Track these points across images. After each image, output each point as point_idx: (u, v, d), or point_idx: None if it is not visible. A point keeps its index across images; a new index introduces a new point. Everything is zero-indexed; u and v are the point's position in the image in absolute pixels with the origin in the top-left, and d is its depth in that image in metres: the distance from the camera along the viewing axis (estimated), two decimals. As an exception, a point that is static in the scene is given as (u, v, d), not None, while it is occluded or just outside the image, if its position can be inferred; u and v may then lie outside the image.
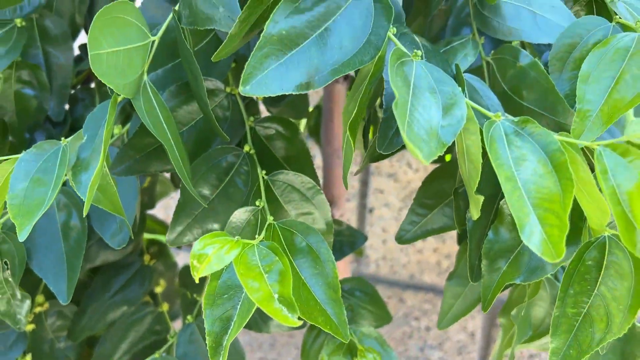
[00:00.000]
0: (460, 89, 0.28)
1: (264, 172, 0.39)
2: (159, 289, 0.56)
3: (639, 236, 0.25)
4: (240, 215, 0.36)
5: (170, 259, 0.62)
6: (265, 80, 0.26)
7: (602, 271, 0.29)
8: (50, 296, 0.51)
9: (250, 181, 0.39)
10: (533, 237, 0.24)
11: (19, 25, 0.49)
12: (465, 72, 0.37)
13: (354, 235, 0.52)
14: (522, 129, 0.27)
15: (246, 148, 0.40)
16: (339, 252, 0.51)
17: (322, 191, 0.39)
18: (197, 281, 0.28)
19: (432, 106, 0.26)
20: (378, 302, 0.49)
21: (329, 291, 0.33)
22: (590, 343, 0.29)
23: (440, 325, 0.45)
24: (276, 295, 0.28)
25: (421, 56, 0.31)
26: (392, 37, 0.29)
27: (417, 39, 0.35)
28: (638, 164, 0.24)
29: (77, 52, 0.55)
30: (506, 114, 0.31)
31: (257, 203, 0.36)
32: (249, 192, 0.39)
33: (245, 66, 0.27)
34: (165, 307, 0.55)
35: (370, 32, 0.29)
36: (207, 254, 0.28)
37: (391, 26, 0.29)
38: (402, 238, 0.42)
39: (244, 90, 0.27)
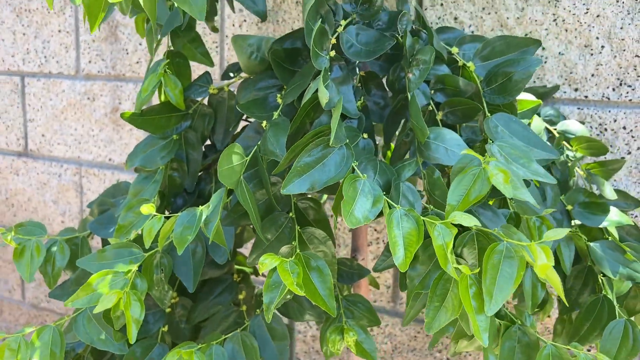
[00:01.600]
0: (382, 192, 0.60)
1: (299, 227, 0.72)
2: (240, 297, 0.90)
3: (450, 262, 0.55)
4: (285, 249, 0.70)
5: (249, 280, 0.97)
6: (292, 187, 0.60)
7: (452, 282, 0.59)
8: (180, 293, 0.86)
9: (292, 232, 0.73)
10: (398, 259, 0.55)
11: (175, 138, 0.87)
12: (409, 179, 0.69)
13: (360, 270, 0.84)
14: (408, 214, 0.59)
15: (291, 214, 0.74)
16: (350, 278, 0.83)
17: (330, 240, 0.72)
18: (260, 274, 0.61)
19: (366, 203, 0.59)
20: (371, 311, 0.80)
21: (326, 289, 0.66)
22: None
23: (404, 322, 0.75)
24: (295, 283, 0.61)
25: (376, 171, 0.63)
26: (355, 167, 0.63)
27: (377, 162, 0.67)
28: (451, 231, 0.55)
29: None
30: (428, 206, 0.62)
31: (293, 243, 0.70)
32: (291, 237, 0.72)
33: (284, 181, 0.61)
34: (244, 308, 0.89)
35: (344, 164, 0.62)
36: (266, 262, 0.62)
37: (355, 160, 0.62)
38: (377, 268, 0.74)
39: (283, 191, 0.61)
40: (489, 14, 1.10)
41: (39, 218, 1.78)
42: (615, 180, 1.03)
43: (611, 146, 1.04)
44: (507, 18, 1.09)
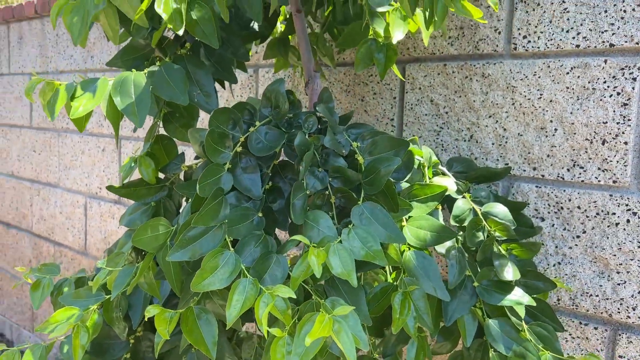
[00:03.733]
0: (242, 265, 0.76)
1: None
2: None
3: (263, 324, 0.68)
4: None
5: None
6: (176, 256, 0.78)
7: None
8: (146, 329, 1.07)
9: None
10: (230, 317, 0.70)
11: (152, 205, 1.09)
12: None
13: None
14: (253, 283, 0.73)
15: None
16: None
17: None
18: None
19: (224, 273, 0.75)
20: None
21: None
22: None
23: None
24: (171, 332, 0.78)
25: (257, 244, 0.79)
26: (228, 241, 0.79)
27: (262, 236, 0.83)
28: (273, 300, 0.69)
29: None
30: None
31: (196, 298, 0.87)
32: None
33: (170, 250, 0.79)
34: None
35: (219, 240, 0.79)
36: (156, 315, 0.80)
37: (238, 235, 0.79)
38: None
39: (168, 258, 0.79)
40: (460, 96, 1.19)
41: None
42: (571, 258, 1.05)
43: (567, 224, 1.06)
44: (474, 101, 1.17)
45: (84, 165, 2.28)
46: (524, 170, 1.11)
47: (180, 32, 0.79)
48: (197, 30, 0.86)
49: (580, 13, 1.03)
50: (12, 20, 2.57)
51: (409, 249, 0.86)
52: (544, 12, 1.07)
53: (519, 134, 1.11)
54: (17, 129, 2.66)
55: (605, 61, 1.00)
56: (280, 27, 1.33)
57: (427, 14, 0.93)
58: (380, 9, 0.92)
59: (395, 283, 0.84)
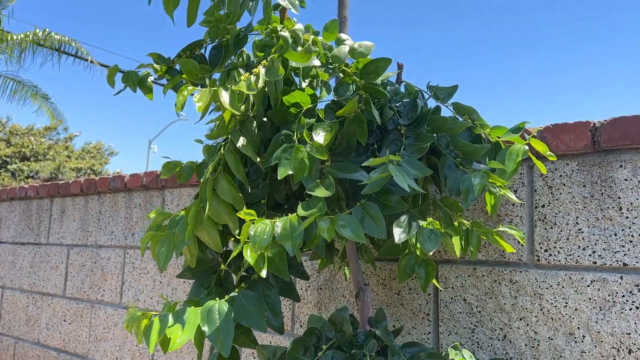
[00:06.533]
0: None
1: None
2: None
3: None
4: None
5: None
6: None
7: None
8: None
9: None
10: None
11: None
12: None
13: None
14: None
15: None
16: None
17: None
18: None
19: None
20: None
21: None
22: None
23: None
24: None
25: None
26: None
27: None
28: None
29: None
30: None
31: None
32: None
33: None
34: None
35: None
36: None
37: None
38: None
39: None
40: (491, 298, 1.32)
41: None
42: None
43: None
44: (504, 304, 1.30)
45: (116, 338, 2.35)
46: (558, 373, 1.20)
47: (264, 274, 0.94)
48: (272, 266, 1.01)
49: (594, 234, 1.19)
50: (57, 195, 2.79)
51: None
52: (561, 230, 1.23)
53: (549, 337, 1.22)
54: (50, 297, 2.76)
55: (622, 277, 1.14)
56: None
57: (462, 242, 1.09)
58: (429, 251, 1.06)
59: None
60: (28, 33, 8.88)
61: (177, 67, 1.32)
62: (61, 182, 2.79)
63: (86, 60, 9.49)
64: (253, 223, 0.91)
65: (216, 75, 1.24)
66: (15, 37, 8.91)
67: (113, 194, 2.48)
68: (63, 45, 9.12)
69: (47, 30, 8.98)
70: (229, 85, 0.99)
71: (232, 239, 1.23)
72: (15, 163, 19.10)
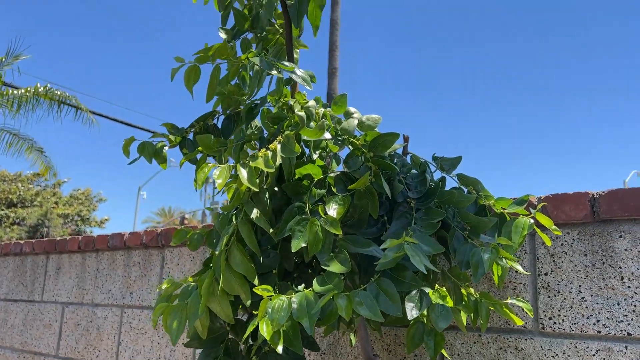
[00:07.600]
0: None
1: None
2: None
3: None
4: None
5: None
6: None
7: None
8: None
9: None
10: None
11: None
12: None
13: None
14: None
15: None
16: None
17: None
18: None
19: None
20: None
21: None
22: None
23: None
24: None
25: None
26: None
27: None
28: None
29: None
30: None
31: None
32: None
33: None
34: None
35: None
36: None
37: None
38: None
39: None
40: (497, 365, 1.33)
41: None
42: None
43: None
44: (511, 371, 1.31)
45: (111, 401, 2.29)
46: None
47: (279, 350, 0.95)
48: (286, 340, 1.02)
49: (597, 303, 1.22)
50: (53, 252, 2.77)
51: None
52: (564, 299, 1.26)
53: (557, 407, 1.23)
54: (42, 357, 2.70)
55: (626, 347, 1.17)
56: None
57: (472, 315, 1.11)
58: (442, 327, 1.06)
59: None
60: (29, 88, 9.01)
61: (190, 136, 1.36)
62: (58, 238, 2.78)
63: (81, 109, 9.60)
64: (270, 299, 0.93)
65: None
66: (16, 91, 9.03)
67: (111, 252, 2.48)
68: (63, 99, 9.26)
69: (48, 85, 9.12)
70: (247, 161, 1.03)
71: (240, 306, 1.24)
72: (2, 209, 18.89)
